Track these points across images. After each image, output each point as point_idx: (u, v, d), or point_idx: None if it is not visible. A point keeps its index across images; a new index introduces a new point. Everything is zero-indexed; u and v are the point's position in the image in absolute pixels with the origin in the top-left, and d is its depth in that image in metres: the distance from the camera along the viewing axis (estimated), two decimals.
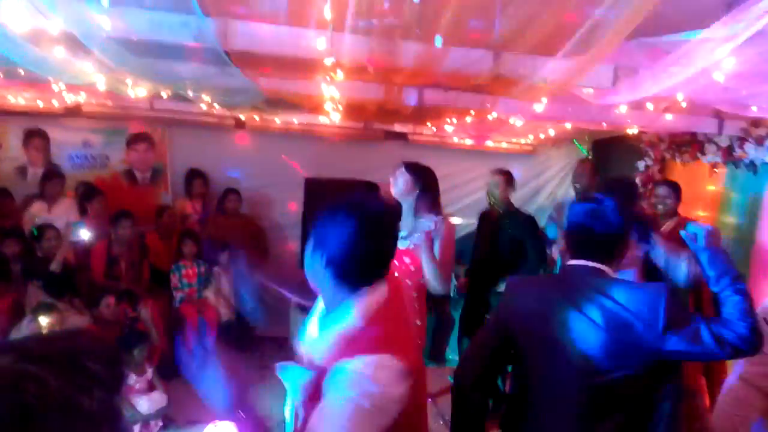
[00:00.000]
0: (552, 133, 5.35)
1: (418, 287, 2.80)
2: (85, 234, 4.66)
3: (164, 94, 4.16)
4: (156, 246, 5.17)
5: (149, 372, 4.07)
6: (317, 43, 2.44)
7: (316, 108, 4.34)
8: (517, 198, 6.20)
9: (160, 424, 3.96)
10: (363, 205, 1.44)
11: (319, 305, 1.61)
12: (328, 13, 2.25)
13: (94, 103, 5.13)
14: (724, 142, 4.21)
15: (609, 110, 3.64)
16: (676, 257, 2.85)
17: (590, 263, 1.83)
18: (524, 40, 2.40)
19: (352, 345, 1.37)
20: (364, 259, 1.42)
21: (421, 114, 4.50)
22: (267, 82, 3.45)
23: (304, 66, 2.88)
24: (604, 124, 4.35)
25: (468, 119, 4.59)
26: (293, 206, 5.74)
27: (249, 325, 5.53)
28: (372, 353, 1.33)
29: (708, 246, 1.88)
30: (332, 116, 4.74)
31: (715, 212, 4.34)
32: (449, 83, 3.14)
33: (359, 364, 1.31)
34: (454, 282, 4.99)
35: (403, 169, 2.93)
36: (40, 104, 5.04)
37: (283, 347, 5.49)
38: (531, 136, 5.88)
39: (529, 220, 4.53)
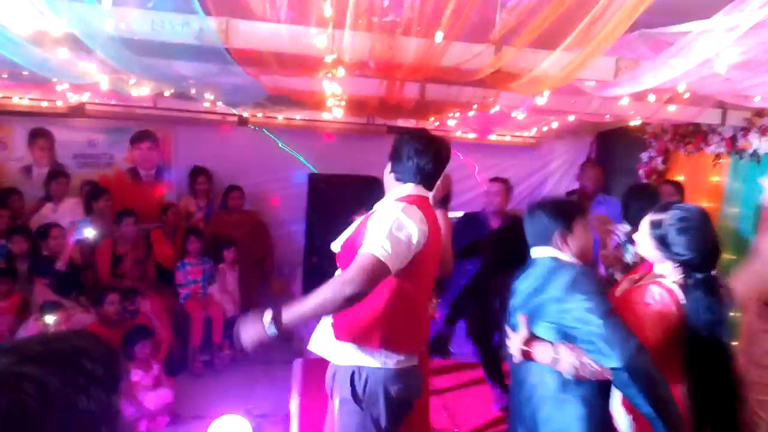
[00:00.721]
0: (555, 125, 5.35)
1: None
2: (90, 232, 4.69)
3: (167, 93, 4.17)
4: (161, 243, 5.20)
5: (155, 368, 4.10)
6: (318, 40, 2.44)
7: (318, 104, 4.35)
8: (520, 191, 6.22)
9: (167, 419, 4.00)
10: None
11: None
12: (328, 10, 2.26)
13: (98, 102, 5.15)
14: (727, 133, 4.20)
15: (611, 102, 3.64)
16: None
17: None
18: (525, 33, 2.40)
19: None
20: None
21: (423, 108, 4.51)
22: (269, 79, 3.46)
23: (305, 63, 2.89)
24: (607, 116, 4.34)
25: (470, 113, 4.58)
26: (297, 202, 5.76)
27: None
28: None
29: None
30: (335, 112, 4.74)
31: (718, 203, 4.33)
32: (450, 78, 3.14)
33: None
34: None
35: None
36: (45, 104, 5.07)
37: (287, 343, 5.52)
38: (534, 129, 5.87)
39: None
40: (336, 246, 2.24)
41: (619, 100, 3.50)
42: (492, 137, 6.10)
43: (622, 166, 5.60)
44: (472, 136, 6.02)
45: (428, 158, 2.20)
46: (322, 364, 2.30)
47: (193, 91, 3.90)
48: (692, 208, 2.08)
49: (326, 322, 2.19)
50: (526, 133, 6.18)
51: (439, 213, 2.81)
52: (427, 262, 2.17)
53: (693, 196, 4.35)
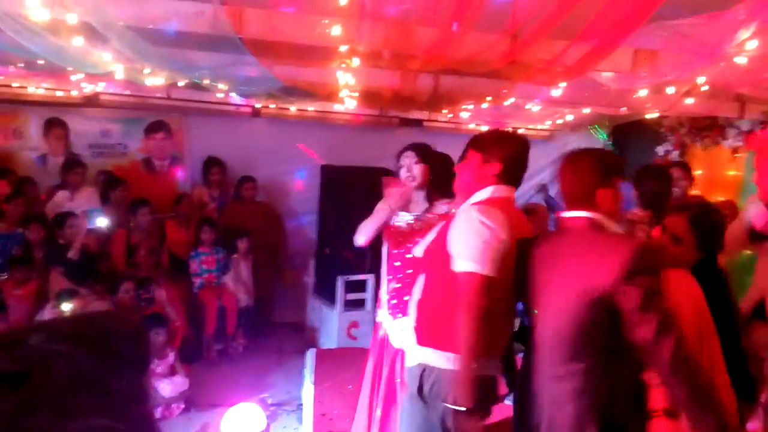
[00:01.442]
0: (570, 118, 5.30)
1: None
2: (104, 222, 4.73)
3: (181, 83, 4.19)
4: (175, 233, 5.23)
5: (171, 356, 4.14)
6: (333, 29, 2.43)
7: (331, 95, 4.34)
8: (534, 184, 6.18)
9: (182, 407, 4.04)
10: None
11: None
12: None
13: (112, 92, 5.18)
14: (745, 127, 4.14)
15: (628, 94, 3.60)
16: None
17: None
18: (542, 23, 2.37)
19: None
20: None
21: (436, 100, 4.49)
22: (283, 70, 3.46)
23: (319, 53, 2.88)
24: (623, 109, 4.29)
25: (484, 105, 4.56)
26: (310, 193, 5.77)
27: (267, 311, 5.62)
28: None
29: None
30: (348, 103, 4.73)
31: (735, 197, 4.28)
32: (466, 69, 3.11)
33: None
34: None
35: (413, 155, 2.75)
36: (60, 94, 5.11)
37: (300, 332, 5.55)
38: (549, 122, 5.82)
39: None
40: (419, 251, 2.24)
41: (636, 92, 3.46)
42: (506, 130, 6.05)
43: (637, 159, 5.53)
44: (485, 128, 5.98)
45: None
46: (334, 354, 2.31)
47: (206, 81, 3.91)
48: None
49: (409, 324, 2.18)
50: (540, 126, 6.13)
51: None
52: (508, 266, 2.06)
53: (709, 190, 4.31)
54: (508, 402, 2.17)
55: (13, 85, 4.94)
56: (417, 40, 2.54)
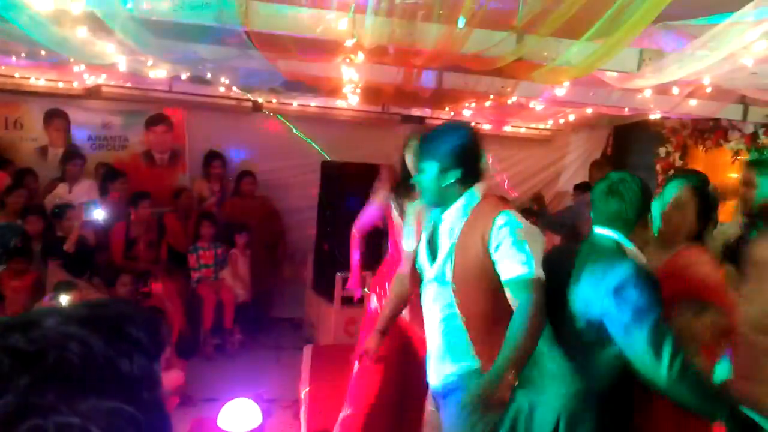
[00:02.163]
0: (572, 118, 5.30)
1: None
2: (100, 214, 4.71)
3: (183, 76, 4.17)
4: (174, 227, 5.22)
5: (167, 350, 4.13)
6: (339, 23, 2.42)
7: (334, 91, 4.33)
8: (534, 184, 6.17)
9: (177, 400, 4.02)
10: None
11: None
12: None
13: (114, 84, 5.16)
14: (748, 129, 4.14)
15: (632, 95, 3.59)
16: None
17: None
18: (548, 22, 2.36)
19: None
20: None
21: (439, 98, 4.48)
22: (286, 64, 3.44)
23: (324, 48, 2.87)
24: (626, 109, 4.29)
25: (487, 103, 4.55)
26: (309, 188, 5.76)
27: (265, 307, 5.60)
28: None
29: None
30: (350, 99, 4.72)
31: (735, 200, 4.27)
32: (470, 66, 3.10)
33: None
34: None
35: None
36: (61, 85, 5.09)
37: (298, 328, 5.55)
38: (550, 122, 5.82)
39: None
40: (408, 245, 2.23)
41: (640, 93, 3.45)
42: (507, 129, 6.05)
43: (639, 161, 5.54)
44: (487, 127, 5.97)
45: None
46: (331, 350, 2.29)
47: (209, 75, 3.90)
48: None
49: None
50: (541, 126, 6.12)
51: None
52: None
53: None
54: None
55: (16, 75, 4.93)
56: (422, 35, 2.52)
